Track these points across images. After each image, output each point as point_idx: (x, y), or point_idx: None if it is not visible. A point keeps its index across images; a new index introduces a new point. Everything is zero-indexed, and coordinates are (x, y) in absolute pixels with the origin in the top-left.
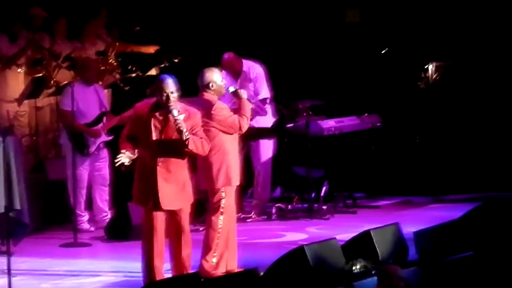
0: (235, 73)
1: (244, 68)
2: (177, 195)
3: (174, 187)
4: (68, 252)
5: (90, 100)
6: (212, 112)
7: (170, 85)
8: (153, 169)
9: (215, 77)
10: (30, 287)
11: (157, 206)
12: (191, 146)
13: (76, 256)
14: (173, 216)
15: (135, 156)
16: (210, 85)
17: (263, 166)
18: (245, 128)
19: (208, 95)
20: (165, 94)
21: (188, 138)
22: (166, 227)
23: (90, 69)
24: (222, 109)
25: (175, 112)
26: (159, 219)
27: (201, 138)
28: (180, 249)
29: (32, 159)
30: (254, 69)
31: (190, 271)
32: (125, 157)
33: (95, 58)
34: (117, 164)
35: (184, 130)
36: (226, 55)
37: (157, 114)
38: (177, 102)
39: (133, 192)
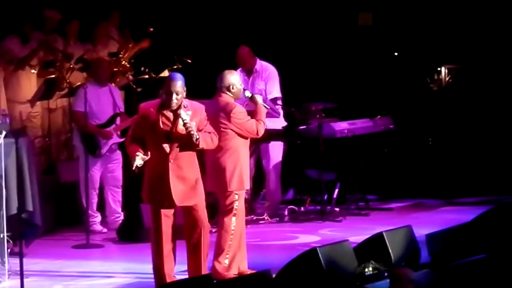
0: (247, 69)
1: (257, 67)
2: (190, 191)
3: (186, 184)
4: (80, 253)
5: (104, 101)
6: (231, 115)
7: (175, 86)
8: (165, 167)
9: (236, 80)
10: None
11: (171, 204)
12: (202, 145)
13: (88, 257)
14: (190, 213)
15: (148, 157)
16: (231, 87)
17: (273, 168)
18: (261, 133)
19: (226, 97)
20: (173, 90)
21: (198, 138)
22: (184, 227)
23: (101, 69)
24: (240, 112)
25: (183, 115)
26: (169, 219)
27: (209, 132)
28: (200, 247)
29: (44, 161)
30: (267, 68)
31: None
32: (139, 159)
33: (107, 59)
34: (133, 168)
35: (194, 132)
36: (241, 49)
37: (164, 112)
38: (181, 101)
39: (144, 193)
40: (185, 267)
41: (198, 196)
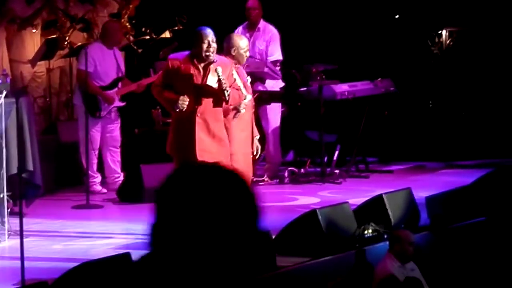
0: (252, 21)
1: (260, 26)
2: (213, 147)
3: (211, 140)
4: (80, 214)
5: (108, 63)
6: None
7: (210, 34)
8: (192, 121)
9: (242, 44)
10: (42, 248)
11: (193, 158)
12: (230, 102)
13: (88, 218)
14: None
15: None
16: (233, 50)
17: (272, 130)
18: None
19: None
20: (206, 41)
21: (229, 94)
22: None
23: (114, 32)
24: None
25: (219, 70)
26: None
27: (237, 89)
28: None
29: (45, 121)
30: (270, 29)
31: None
32: (184, 100)
33: (108, 20)
34: (178, 109)
35: (228, 89)
36: (251, 1)
37: (196, 64)
38: (214, 52)
39: (168, 145)
40: None
41: (222, 154)
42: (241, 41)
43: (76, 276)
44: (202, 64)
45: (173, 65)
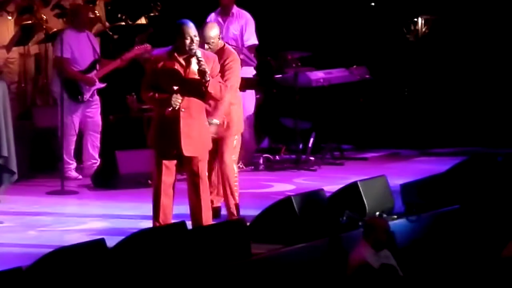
0: (225, 4)
1: (234, 11)
2: (198, 141)
3: (195, 134)
4: (54, 199)
5: (84, 47)
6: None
7: (193, 29)
8: (176, 115)
9: (213, 33)
10: (16, 234)
11: (178, 154)
12: (211, 89)
13: (63, 203)
14: (192, 163)
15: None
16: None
17: (247, 117)
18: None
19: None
20: (189, 37)
21: (208, 80)
22: (186, 176)
23: (81, 15)
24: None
25: (198, 53)
26: (170, 170)
27: (219, 82)
28: (200, 195)
29: (20, 106)
30: (244, 15)
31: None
32: (177, 98)
33: (87, 6)
34: (176, 107)
35: (207, 70)
36: None
37: (178, 58)
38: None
39: (149, 139)
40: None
41: (204, 148)
42: (212, 31)
43: (50, 262)
44: (184, 56)
45: (156, 62)
